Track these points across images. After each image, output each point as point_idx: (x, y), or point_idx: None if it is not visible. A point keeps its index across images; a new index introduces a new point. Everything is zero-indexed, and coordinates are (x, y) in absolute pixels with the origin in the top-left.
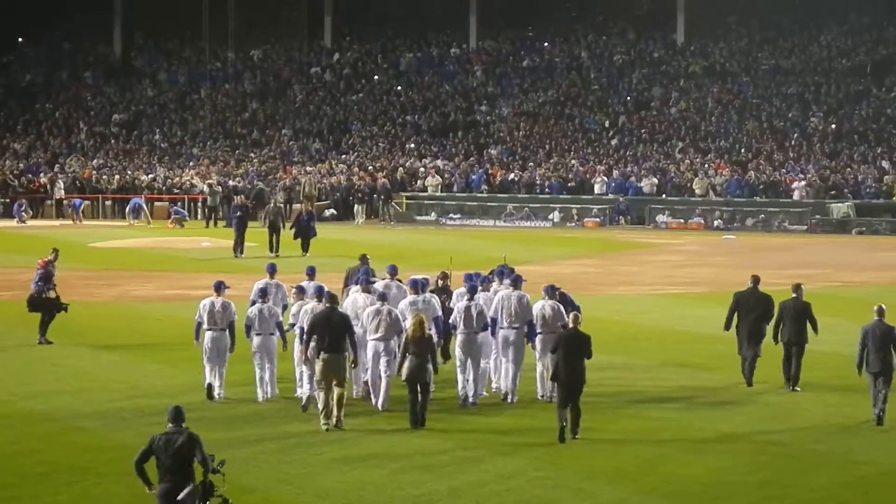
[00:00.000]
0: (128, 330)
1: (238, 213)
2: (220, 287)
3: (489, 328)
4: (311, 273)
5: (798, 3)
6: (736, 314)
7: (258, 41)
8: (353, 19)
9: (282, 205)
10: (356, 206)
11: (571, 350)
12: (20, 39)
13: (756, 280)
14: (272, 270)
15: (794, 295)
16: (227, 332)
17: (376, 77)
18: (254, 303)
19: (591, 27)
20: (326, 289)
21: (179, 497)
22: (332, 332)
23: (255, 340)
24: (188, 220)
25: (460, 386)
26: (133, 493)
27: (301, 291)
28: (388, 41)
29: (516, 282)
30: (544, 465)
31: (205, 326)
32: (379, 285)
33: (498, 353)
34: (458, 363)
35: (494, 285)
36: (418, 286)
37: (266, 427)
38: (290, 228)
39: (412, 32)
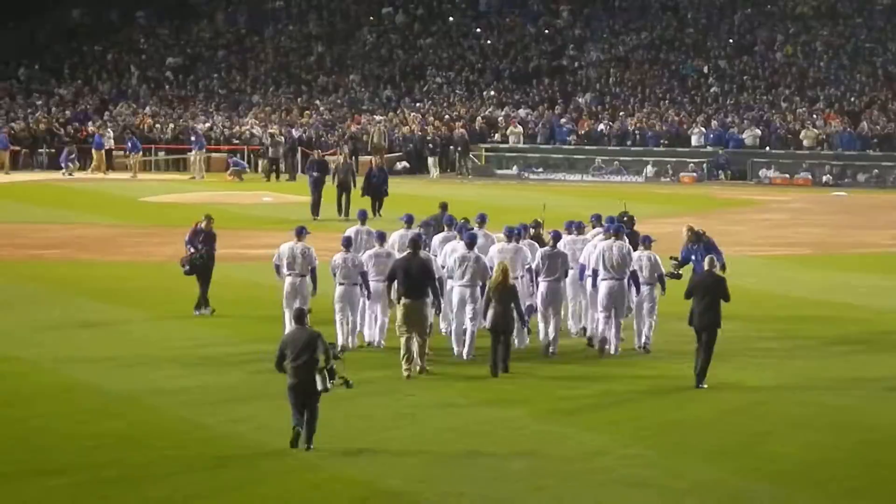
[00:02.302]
0: (182, 292)
1: (315, 173)
2: (301, 232)
3: (580, 276)
4: (409, 220)
5: None
6: None
7: None
8: None
9: (351, 161)
10: (429, 158)
11: (708, 293)
12: None
13: None
14: (363, 217)
15: None
16: (309, 277)
17: (452, 18)
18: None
19: None
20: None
21: (319, 388)
22: (412, 278)
23: (338, 290)
24: (248, 171)
25: (542, 335)
26: (186, 463)
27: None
28: None
29: (619, 232)
30: (632, 441)
31: (284, 272)
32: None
33: (597, 303)
34: (539, 312)
35: (591, 233)
36: (512, 234)
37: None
38: (360, 186)
39: None
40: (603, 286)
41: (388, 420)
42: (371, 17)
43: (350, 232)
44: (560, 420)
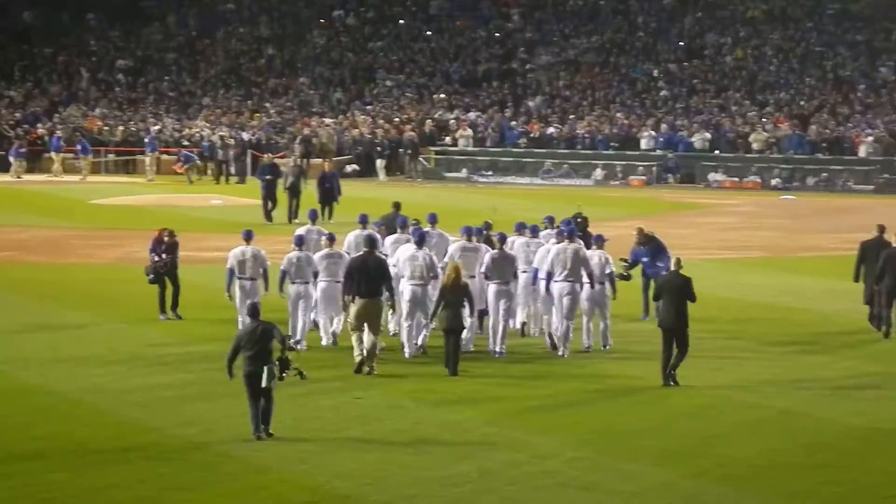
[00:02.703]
0: (129, 294)
1: (268, 176)
2: (249, 235)
3: (534, 279)
4: (364, 221)
5: None
6: (863, 265)
7: None
8: None
9: (301, 164)
10: (378, 161)
11: (675, 293)
12: None
13: (881, 229)
14: (314, 217)
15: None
16: (260, 279)
17: (403, 21)
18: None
19: None
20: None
21: (263, 384)
22: (369, 277)
23: (292, 288)
24: (198, 163)
25: (489, 336)
26: (137, 478)
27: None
28: None
29: (572, 234)
30: (583, 444)
31: (236, 275)
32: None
33: (555, 306)
34: (491, 311)
35: (545, 236)
36: (471, 232)
37: (283, 402)
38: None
39: None
40: (556, 288)
41: (338, 422)
42: (321, 20)
43: (301, 231)
44: (509, 423)
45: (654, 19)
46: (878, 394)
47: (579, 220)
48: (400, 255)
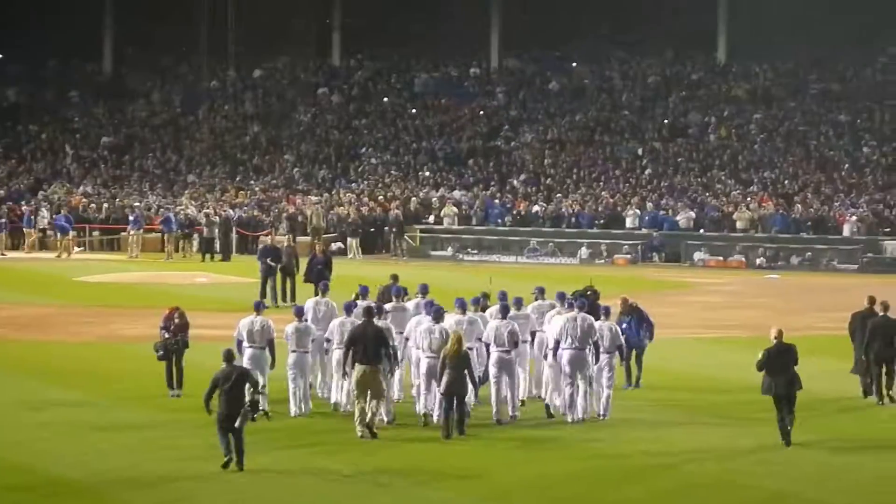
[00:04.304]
0: (114, 372)
1: (271, 261)
2: (259, 307)
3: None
4: (365, 292)
5: (850, 21)
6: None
7: (260, 59)
8: (364, 35)
9: (295, 245)
10: (348, 238)
11: (783, 361)
12: (0, 56)
13: (872, 301)
14: (325, 289)
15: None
16: (267, 349)
17: (388, 98)
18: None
19: (623, 46)
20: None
21: (236, 425)
22: (368, 344)
23: (291, 357)
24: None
25: (493, 402)
26: None
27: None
28: (402, 60)
29: (582, 306)
30: None
31: (245, 344)
32: (411, 304)
33: (563, 375)
34: (492, 380)
35: (557, 308)
36: (465, 306)
37: (267, 478)
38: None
39: (428, 50)
40: (565, 355)
41: (324, 501)
42: (306, 98)
43: (308, 304)
44: (496, 501)
45: (637, 98)
46: (870, 474)
47: (590, 293)
48: (414, 326)
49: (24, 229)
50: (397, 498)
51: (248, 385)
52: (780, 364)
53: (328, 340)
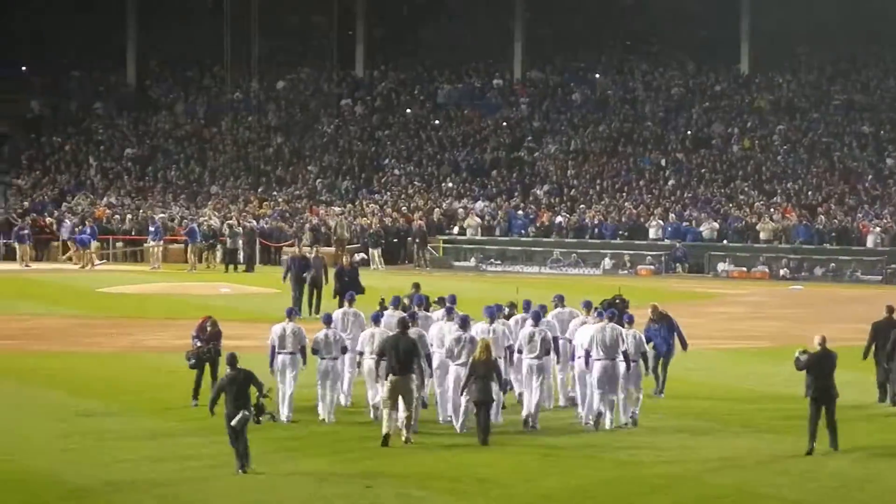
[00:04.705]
0: (139, 382)
1: (302, 273)
2: (291, 313)
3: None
4: (396, 303)
5: (874, 32)
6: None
7: (284, 70)
8: (387, 47)
9: (322, 257)
10: (371, 249)
11: (824, 367)
12: (24, 68)
13: (891, 310)
14: (351, 299)
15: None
16: (298, 354)
17: (411, 110)
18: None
19: (646, 57)
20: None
21: (232, 423)
22: (400, 355)
23: (321, 364)
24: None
25: (525, 408)
26: None
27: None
28: (426, 71)
29: (612, 316)
30: None
31: (277, 350)
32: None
33: (593, 383)
34: (524, 386)
35: (582, 317)
36: (493, 315)
37: (291, 490)
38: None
39: (451, 61)
40: (597, 366)
41: None
42: (329, 109)
43: (336, 314)
44: None
45: (661, 109)
46: (891, 485)
47: (618, 301)
48: (439, 334)
49: (81, 248)
50: None
51: (254, 386)
52: (821, 369)
53: (360, 353)
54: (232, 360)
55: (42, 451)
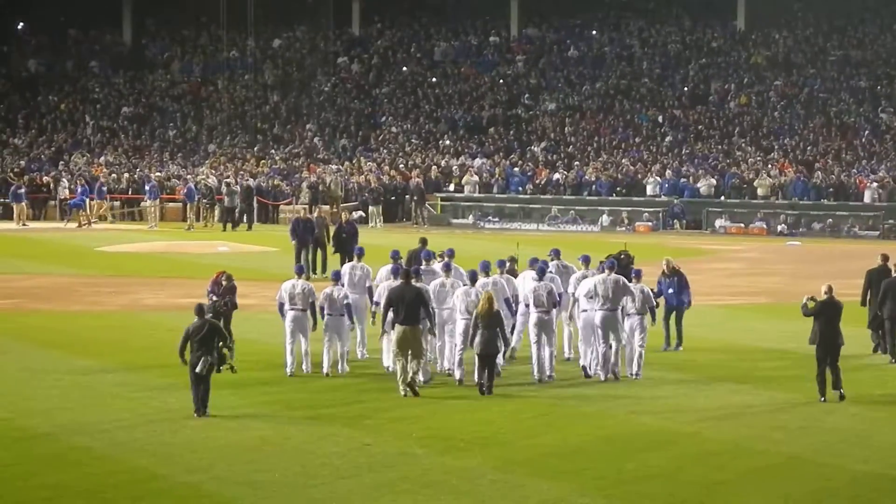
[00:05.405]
0: (137, 341)
1: (305, 233)
2: (300, 271)
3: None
4: (395, 256)
5: None
6: (870, 290)
7: (280, 28)
8: (383, 4)
9: (324, 217)
10: (370, 207)
11: (830, 316)
12: (20, 26)
13: (885, 258)
14: (360, 253)
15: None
16: (308, 312)
17: (407, 68)
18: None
19: (642, 14)
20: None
21: (196, 370)
22: (406, 306)
23: (326, 320)
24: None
25: (535, 363)
26: None
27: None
28: (422, 28)
29: (611, 266)
30: (591, 491)
31: (287, 307)
32: (438, 266)
33: (594, 333)
34: (533, 341)
35: (582, 271)
36: (488, 268)
37: (291, 450)
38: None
39: (448, 19)
40: (597, 315)
41: (345, 469)
42: (326, 67)
43: (344, 268)
44: (517, 469)
45: (657, 66)
46: (887, 439)
47: (623, 256)
48: (459, 294)
49: (91, 201)
50: (415, 466)
51: (218, 335)
52: (827, 317)
53: (377, 304)
54: (199, 310)
55: (41, 412)
